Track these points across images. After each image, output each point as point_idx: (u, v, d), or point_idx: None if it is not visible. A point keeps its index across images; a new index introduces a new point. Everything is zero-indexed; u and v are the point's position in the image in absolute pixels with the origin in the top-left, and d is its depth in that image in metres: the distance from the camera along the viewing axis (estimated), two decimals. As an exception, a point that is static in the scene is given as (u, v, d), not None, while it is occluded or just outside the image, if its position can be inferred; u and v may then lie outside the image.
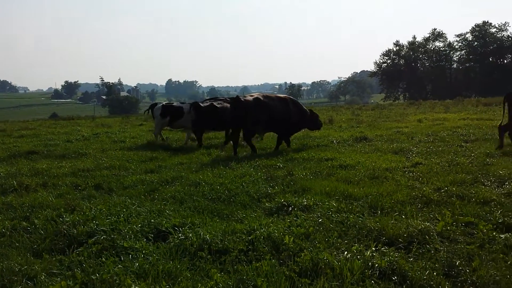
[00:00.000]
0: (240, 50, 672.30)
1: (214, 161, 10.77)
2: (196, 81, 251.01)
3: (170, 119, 15.18)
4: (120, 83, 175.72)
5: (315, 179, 8.23)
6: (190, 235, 5.17)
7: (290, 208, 6.31)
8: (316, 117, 13.83)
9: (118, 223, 5.73)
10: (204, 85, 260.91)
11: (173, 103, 15.99)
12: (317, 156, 10.78)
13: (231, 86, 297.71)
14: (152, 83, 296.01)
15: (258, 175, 8.73)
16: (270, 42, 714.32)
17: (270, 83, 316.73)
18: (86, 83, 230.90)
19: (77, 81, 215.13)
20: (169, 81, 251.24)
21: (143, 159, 11.30)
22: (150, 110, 16.38)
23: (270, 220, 5.79)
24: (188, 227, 5.53)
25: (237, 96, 12.48)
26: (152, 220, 5.76)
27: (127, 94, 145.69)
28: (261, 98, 12.24)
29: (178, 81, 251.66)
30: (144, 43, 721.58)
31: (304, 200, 6.59)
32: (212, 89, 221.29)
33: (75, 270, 4.45)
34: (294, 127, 13.25)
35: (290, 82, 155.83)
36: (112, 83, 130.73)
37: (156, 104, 16.15)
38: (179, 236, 5.17)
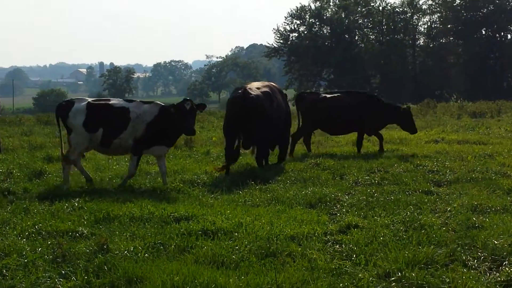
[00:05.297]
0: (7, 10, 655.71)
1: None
2: None
3: (105, 132, 14.37)
4: None
5: (153, 260, 8.31)
6: None
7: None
8: None
9: None
10: None
11: (109, 99, 15.56)
12: (159, 213, 10.91)
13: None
14: None
15: (37, 252, 8.62)
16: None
17: (69, 63, 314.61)
18: None
19: None
20: None
21: None
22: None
23: None
24: None
25: (244, 88, 16.28)
26: None
27: None
28: (270, 92, 16.38)
29: None
30: None
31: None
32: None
33: None
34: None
35: (111, 63, 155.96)
36: None
37: (68, 103, 14.87)
38: None
